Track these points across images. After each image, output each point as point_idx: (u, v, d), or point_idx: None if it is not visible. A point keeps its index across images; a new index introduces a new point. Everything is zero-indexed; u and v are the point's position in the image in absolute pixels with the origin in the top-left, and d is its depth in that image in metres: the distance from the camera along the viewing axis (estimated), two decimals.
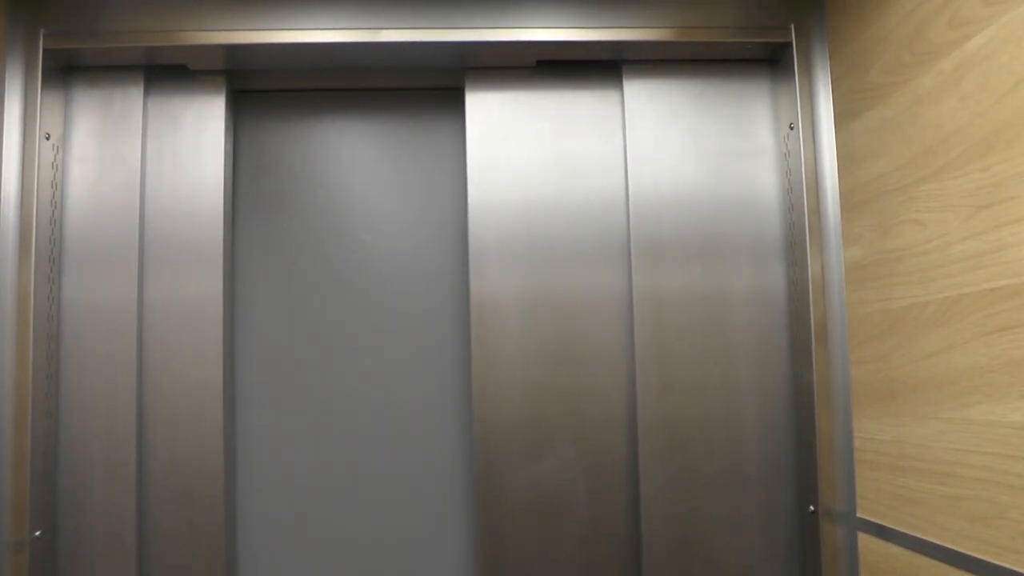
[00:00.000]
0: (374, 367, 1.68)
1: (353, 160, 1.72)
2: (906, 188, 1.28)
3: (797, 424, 1.57)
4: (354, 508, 1.65)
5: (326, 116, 1.73)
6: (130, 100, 1.57)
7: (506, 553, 1.54)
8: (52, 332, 1.49)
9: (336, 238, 1.70)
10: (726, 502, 1.56)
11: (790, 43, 1.57)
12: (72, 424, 1.50)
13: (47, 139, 1.49)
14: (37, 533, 1.42)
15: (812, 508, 1.50)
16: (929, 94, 1.22)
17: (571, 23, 1.57)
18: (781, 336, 1.60)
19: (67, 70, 1.57)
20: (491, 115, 1.63)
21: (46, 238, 1.48)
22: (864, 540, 1.43)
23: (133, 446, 1.50)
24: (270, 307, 1.68)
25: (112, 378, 1.51)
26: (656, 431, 1.56)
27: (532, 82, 1.64)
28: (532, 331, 1.57)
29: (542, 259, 1.59)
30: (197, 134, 1.59)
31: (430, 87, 1.74)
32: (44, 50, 1.48)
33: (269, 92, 1.72)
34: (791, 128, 1.57)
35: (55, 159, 1.52)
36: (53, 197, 1.51)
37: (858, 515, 1.46)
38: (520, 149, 1.62)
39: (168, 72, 1.60)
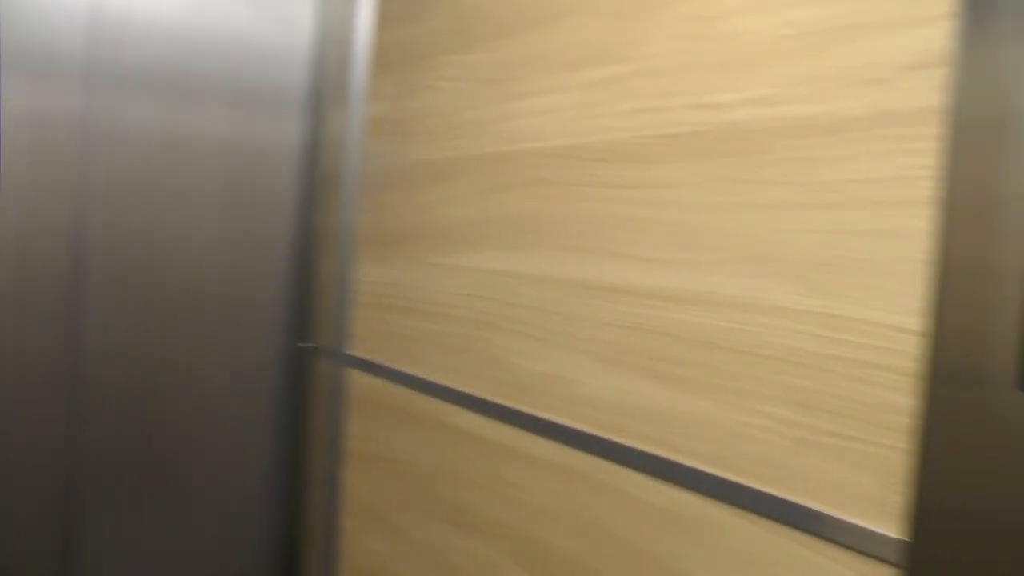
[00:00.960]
0: None
1: None
2: (432, 56, 1.39)
3: (299, 269, 1.63)
4: None
5: None
6: None
7: None
8: None
9: None
10: (201, 342, 1.56)
11: None
12: None
13: None
14: None
15: (303, 345, 1.60)
16: None
17: None
18: (286, 184, 1.62)
19: None
20: None
21: None
22: (354, 375, 1.58)
23: None
24: None
25: None
26: (105, 266, 1.46)
27: None
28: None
29: None
30: None
31: None
32: None
33: None
34: None
35: None
36: None
37: (350, 352, 1.59)
38: None
39: None
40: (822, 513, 0.76)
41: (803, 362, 0.79)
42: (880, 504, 0.72)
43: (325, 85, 1.56)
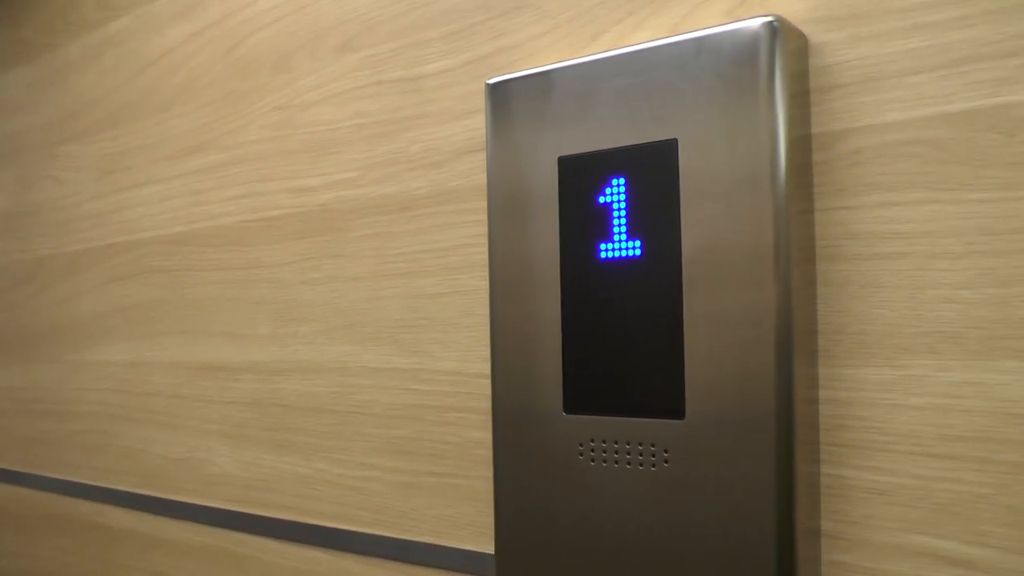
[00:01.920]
0: None
1: None
2: (49, 146, 1.35)
3: None
4: None
5: None
6: None
7: None
8: None
9: None
10: None
11: None
12: None
13: None
14: None
15: None
16: (76, 62, 1.31)
17: None
18: None
19: None
20: None
21: None
22: None
23: None
24: None
25: None
26: None
27: None
28: None
29: None
30: None
31: None
32: None
33: None
34: None
35: None
36: None
37: None
38: None
39: None
40: (431, 544, 0.84)
41: (400, 415, 0.88)
42: (477, 528, 0.81)
43: None
